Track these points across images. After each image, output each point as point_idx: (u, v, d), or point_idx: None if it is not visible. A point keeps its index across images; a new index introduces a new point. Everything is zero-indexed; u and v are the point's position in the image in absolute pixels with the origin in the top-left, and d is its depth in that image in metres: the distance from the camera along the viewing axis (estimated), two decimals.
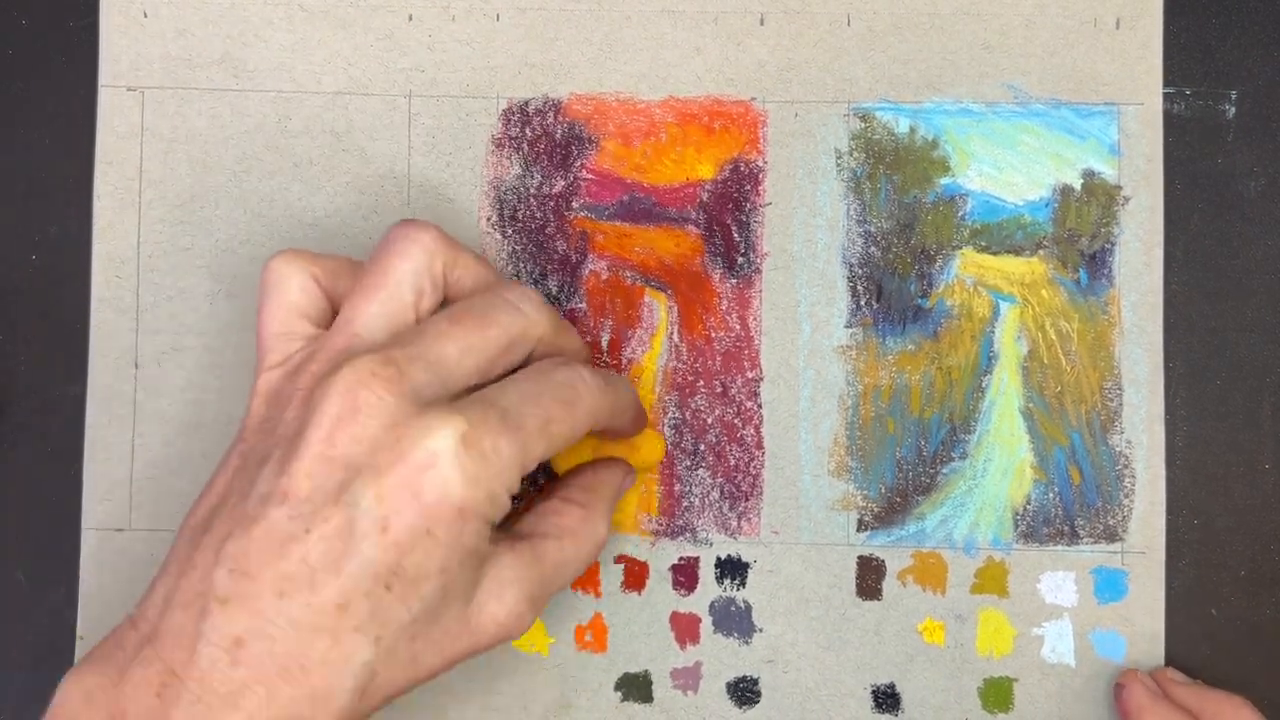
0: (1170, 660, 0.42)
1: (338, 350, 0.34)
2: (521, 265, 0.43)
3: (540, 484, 0.42)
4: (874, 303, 0.43)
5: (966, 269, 0.43)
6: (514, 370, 0.35)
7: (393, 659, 0.32)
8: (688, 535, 0.42)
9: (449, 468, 0.31)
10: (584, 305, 0.43)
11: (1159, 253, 0.42)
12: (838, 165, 0.43)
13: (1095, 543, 0.42)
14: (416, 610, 0.32)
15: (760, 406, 0.42)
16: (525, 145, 0.43)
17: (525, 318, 0.35)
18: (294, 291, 0.36)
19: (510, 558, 0.35)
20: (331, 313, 0.36)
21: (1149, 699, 0.40)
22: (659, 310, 0.43)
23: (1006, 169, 0.43)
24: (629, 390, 0.38)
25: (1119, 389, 0.42)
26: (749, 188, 0.43)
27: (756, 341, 0.43)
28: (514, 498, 0.34)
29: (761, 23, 0.43)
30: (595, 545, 0.37)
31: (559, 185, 0.43)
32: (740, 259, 0.43)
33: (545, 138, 0.43)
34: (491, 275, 0.37)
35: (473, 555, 0.33)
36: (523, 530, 0.37)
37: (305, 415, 0.32)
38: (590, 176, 0.43)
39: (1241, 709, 0.39)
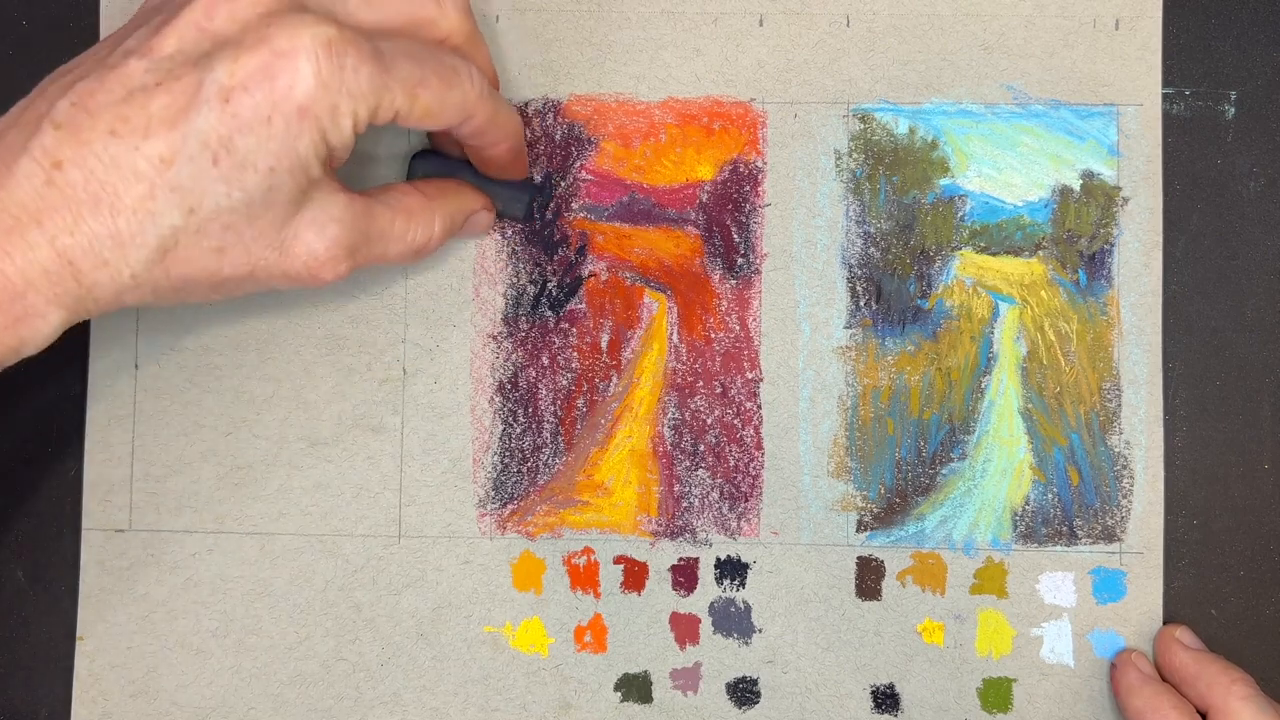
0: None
1: None
2: (521, 266, 0.43)
3: None
4: (873, 303, 0.43)
5: (966, 270, 0.43)
6: None
7: (200, 238, 0.33)
8: (687, 536, 0.42)
9: (305, 62, 0.32)
10: (584, 306, 0.43)
11: (1158, 253, 0.42)
12: (837, 166, 0.43)
13: (1094, 543, 0.42)
14: (236, 198, 0.33)
15: (760, 407, 0.42)
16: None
17: (440, 8, 0.36)
18: None
19: (342, 199, 0.35)
20: None
21: (1138, 680, 0.40)
22: (659, 311, 0.43)
23: (1006, 170, 0.43)
24: (515, 119, 0.39)
25: (1118, 389, 0.42)
26: (748, 188, 0.43)
27: (756, 342, 0.43)
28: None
29: (761, 24, 0.43)
30: (425, 239, 0.38)
31: (559, 186, 0.43)
32: (740, 260, 0.43)
33: (545, 139, 0.43)
34: None
35: (302, 167, 0.33)
36: (366, 192, 0.37)
37: None
38: (590, 177, 0.43)
39: (1237, 683, 0.38)
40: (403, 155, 0.43)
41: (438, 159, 0.42)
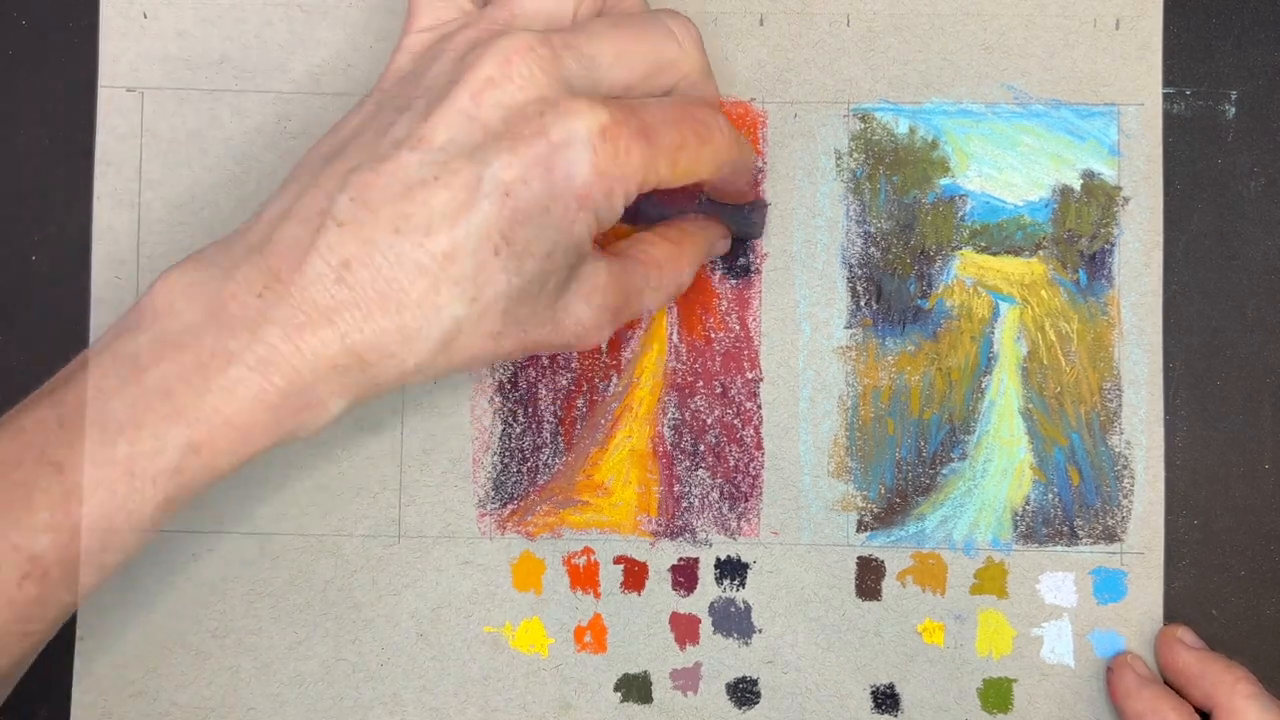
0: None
1: (497, 23, 0.35)
2: None
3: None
4: (874, 303, 0.43)
5: (966, 270, 0.43)
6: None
7: (480, 324, 0.34)
8: (687, 536, 0.42)
9: (582, 152, 0.32)
10: None
11: (1159, 253, 0.42)
12: (837, 166, 0.43)
13: (1094, 543, 0.42)
14: (515, 284, 0.33)
15: (760, 407, 0.42)
16: None
17: (680, 47, 0.36)
18: None
19: (604, 266, 0.36)
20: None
21: (1136, 683, 0.40)
22: (659, 311, 0.43)
23: (1006, 170, 0.43)
24: (752, 152, 0.39)
25: (1118, 390, 0.42)
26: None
27: (756, 342, 0.43)
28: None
29: (761, 23, 0.43)
30: (677, 284, 0.39)
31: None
32: (740, 260, 0.43)
33: None
34: (649, 4, 0.38)
35: (576, 248, 0.34)
36: (615, 249, 0.38)
37: (456, 73, 0.34)
38: None
39: (1240, 680, 0.39)
40: None
41: (663, 193, 0.41)
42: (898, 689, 0.42)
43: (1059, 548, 0.42)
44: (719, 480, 0.42)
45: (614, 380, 0.43)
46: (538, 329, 0.35)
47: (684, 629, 0.42)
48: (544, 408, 0.43)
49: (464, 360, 0.34)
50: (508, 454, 0.43)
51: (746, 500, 0.42)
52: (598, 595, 0.42)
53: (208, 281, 0.33)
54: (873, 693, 0.42)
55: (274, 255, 0.33)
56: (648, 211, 0.40)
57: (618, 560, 0.42)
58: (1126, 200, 0.42)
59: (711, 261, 0.43)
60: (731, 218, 0.41)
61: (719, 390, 0.43)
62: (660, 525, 0.42)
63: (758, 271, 0.43)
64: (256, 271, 0.33)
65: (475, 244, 0.32)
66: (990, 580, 0.42)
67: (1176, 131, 0.43)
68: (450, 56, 0.34)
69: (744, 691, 0.42)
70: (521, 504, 0.43)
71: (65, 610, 0.33)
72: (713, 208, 0.41)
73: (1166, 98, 0.43)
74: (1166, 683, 0.41)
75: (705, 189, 0.40)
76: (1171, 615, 0.42)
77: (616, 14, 0.36)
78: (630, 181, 0.34)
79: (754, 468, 0.42)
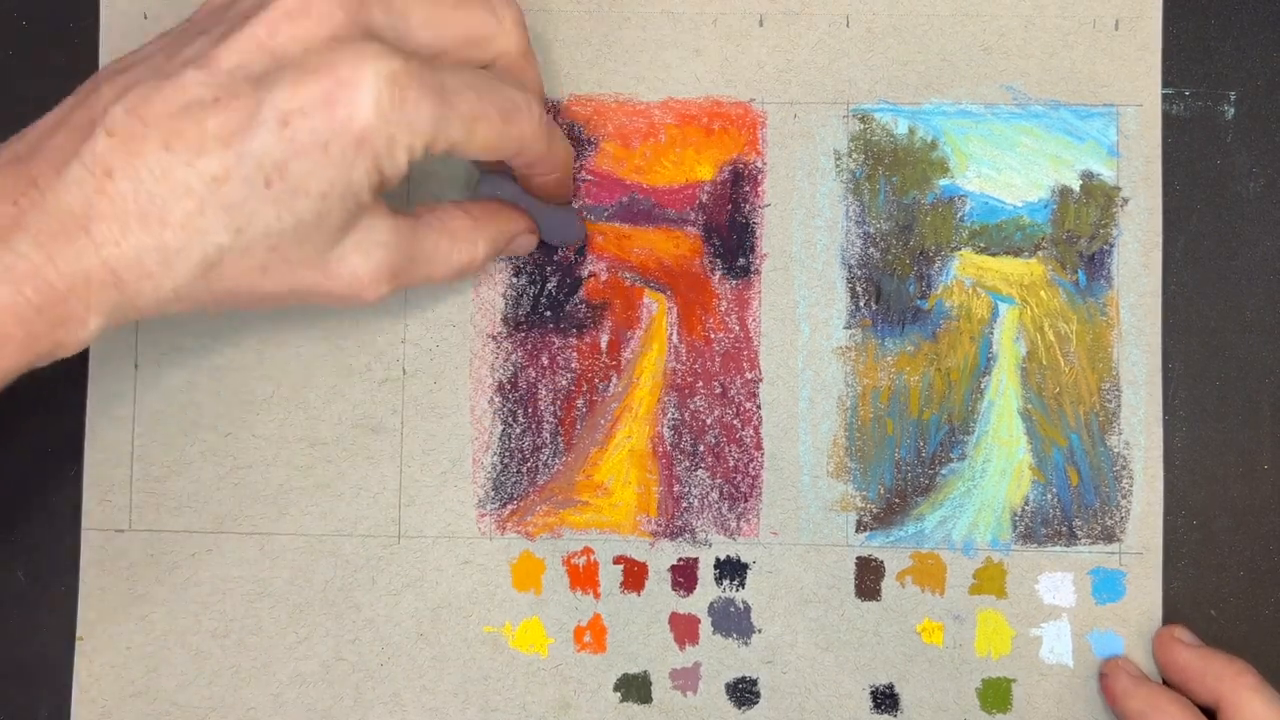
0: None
1: None
2: (521, 266, 0.43)
3: None
4: (873, 304, 0.43)
5: (965, 270, 0.43)
6: None
7: (245, 258, 0.33)
8: (687, 536, 0.42)
9: (367, 93, 0.32)
10: (583, 306, 0.43)
11: (1158, 254, 0.42)
12: (837, 166, 0.43)
13: (1093, 543, 0.42)
14: (285, 221, 0.33)
15: (759, 407, 0.43)
16: None
17: (499, 24, 0.36)
18: None
19: (389, 223, 0.35)
20: None
21: (1132, 683, 0.40)
22: (658, 311, 0.43)
23: (1005, 170, 0.43)
24: (567, 150, 0.39)
25: (1117, 390, 0.42)
26: (748, 189, 0.43)
27: (755, 343, 0.43)
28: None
29: (761, 24, 0.43)
30: (469, 260, 0.38)
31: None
32: (739, 260, 0.43)
33: None
34: None
35: (353, 194, 0.33)
36: (412, 213, 0.37)
37: (260, 5, 0.33)
38: (590, 178, 0.43)
39: (1243, 674, 0.38)
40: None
41: (506, 181, 0.41)
42: (897, 689, 0.42)
43: (1058, 548, 0.42)
44: (718, 480, 0.42)
45: (614, 380, 0.43)
46: (308, 273, 0.34)
47: (683, 629, 0.42)
48: (544, 408, 0.43)
49: (225, 291, 0.34)
50: (507, 454, 0.43)
51: (746, 500, 0.42)
52: (597, 595, 0.42)
53: None
54: (872, 693, 0.42)
55: (36, 163, 0.32)
56: (485, 191, 0.40)
57: (617, 560, 0.42)
58: (1125, 201, 0.42)
59: (711, 261, 0.43)
60: (540, 216, 0.41)
61: (718, 390, 0.43)
62: (660, 525, 0.42)
63: (757, 272, 0.43)
64: (15, 180, 0.32)
65: (248, 171, 0.32)
66: (989, 580, 0.42)
67: (1175, 132, 0.43)
68: None
69: (743, 691, 0.42)
70: (521, 504, 0.43)
71: None
72: (533, 204, 0.41)
73: (1165, 98, 0.43)
74: (1166, 683, 0.41)
75: (516, 178, 0.40)
76: (1170, 615, 0.42)
77: None
78: (416, 135, 0.33)
79: (753, 468, 0.42)
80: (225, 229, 0.32)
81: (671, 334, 0.43)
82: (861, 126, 0.43)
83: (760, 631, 0.42)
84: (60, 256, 0.31)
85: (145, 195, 0.32)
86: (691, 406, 0.43)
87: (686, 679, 0.42)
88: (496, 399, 0.43)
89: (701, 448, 0.43)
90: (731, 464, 0.42)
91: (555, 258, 0.43)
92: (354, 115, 0.32)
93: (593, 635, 0.42)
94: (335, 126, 0.32)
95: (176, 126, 0.32)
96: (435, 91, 0.33)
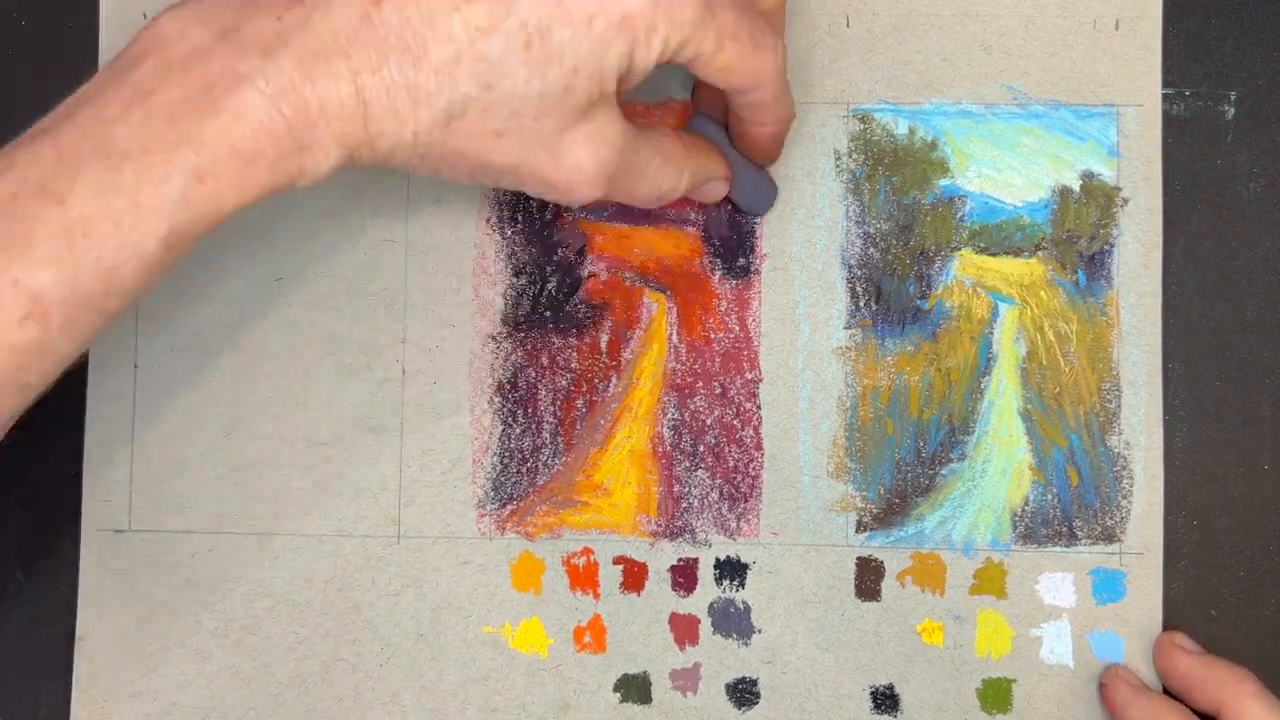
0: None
1: None
2: (521, 266, 0.43)
3: None
4: (873, 304, 0.43)
5: (965, 270, 0.43)
6: None
7: (486, 116, 0.33)
8: (687, 536, 0.42)
9: None
10: (583, 306, 0.43)
11: (1158, 254, 0.42)
12: (837, 166, 0.43)
13: (1093, 544, 0.42)
14: (533, 87, 0.33)
15: (759, 408, 0.43)
16: None
17: None
18: None
19: (619, 124, 0.35)
20: None
21: (1132, 693, 0.40)
22: (658, 311, 0.43)
23: (1005, 170, 0.43)
24: (791, 106, 0.39)
25: (1117, 390, 0.42)
26: None
27: (755, 343, 0.43)
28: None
29: None
30: (671, 186, 0.38)
31: None
32: (739, 260, 0.43)
33: None
34: None
35: (602, 76, 0.33)
36: (633, 123, 0.37)
37: None
38: None
39: (1244, 681, 0.38)
40: None
41: (716, 128, 0.41)
42: (897, 689, 0.42)
43: (1058, 548, 0.42)
44: (718, 481, 0.42)
45: (613, 381, 0.43)
46: (537, 151, 0.34)
47: (683, 629, 0.42)
48: (543, 408, 0.43)
49: (457, 150, 0.34)
50: (507, 454, 0.43)
51: (746, 501, 0.42)
52: (597, 596, 0.42)
53: (223, 6, 0.32)
54: (872, 693, 0.42)
55: None
56: (698, 128, 0.40)
57: (617, 561, 0.42)
58: (1126, 201, 0.42)
59: (711, 261, 0.43)
60: (739, 171, 0.41)
61: (718, 391, 0.43)
62: (660, 526, 0.42)
63: (757, 272, 0.43)
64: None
65: (511, 27, 0.32)
66: (989, 581, 0.42)
67: (1176, 132, 0.43)
68: None
69: (743, 692, 0.42)
70: (521, 504, 0.43)
71: (63, 361, 0.32)
72: (725, 145, 0.41)
73: (1166, 98, 0.43)
74: (1167, 691, 0.41)
75: (731, 118, 0.40)
76: (1170, 615, 0.42)
77: None
78: (675, 29, 0.33)
79: (753, 468, 0.42)
80: (476, 81, 0.32)
81: (671, 334, 0.43)
82: (861, 126, 0.43)
83: (760, 632, 0.42)
84: (318, 76, 0.31)
85: (410, 31, 0.32)
86: (691, 407, 0.43)
87: (686, 679, 0.42)
88: (496, 399, 0.43)
89: (701, 448, 0.43)
90: (731, 464, 0.42)
91: (555, 257, 0.43)
92: None
93: (593, 635, 0.42)
94: (606, 2, 0.32)
95: None
96: (706, 2, 0.33)
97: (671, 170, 0.38)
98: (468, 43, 0.32)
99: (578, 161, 0.35)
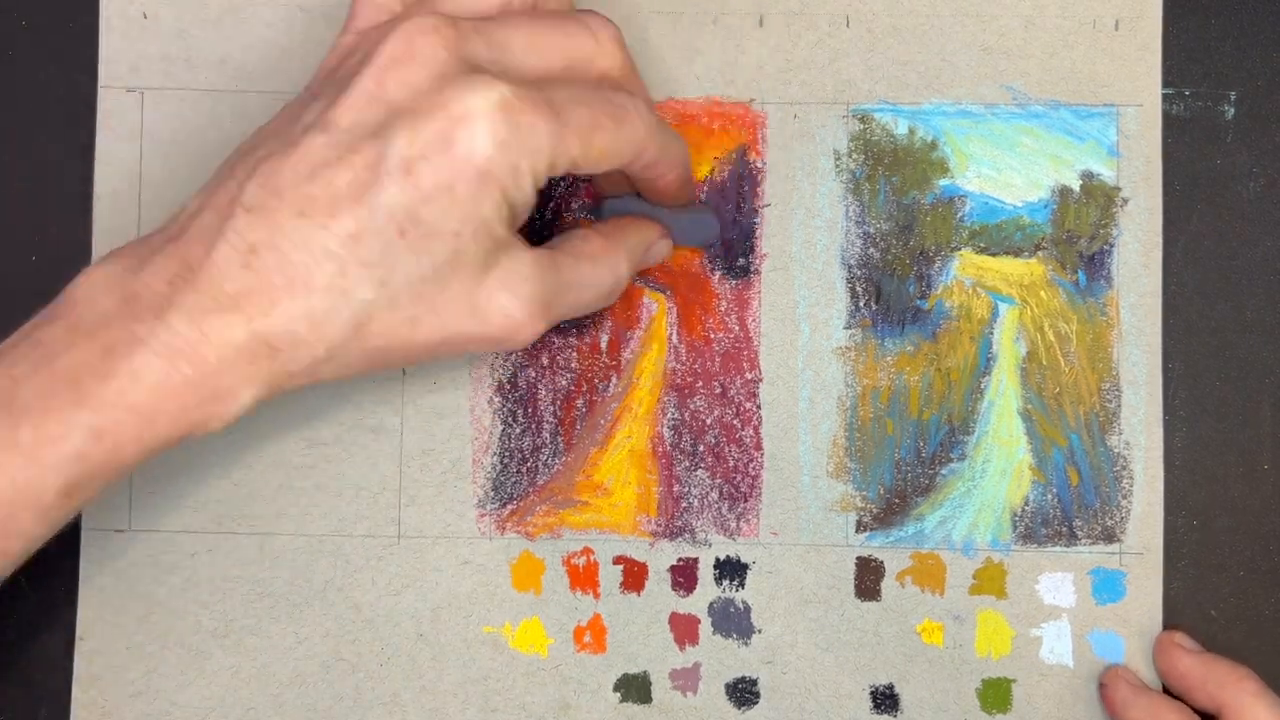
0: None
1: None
2: None
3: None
4: (873, 304, 0.43)
5: (965, 270, 0.43)
6: None
7: (393, 309, 0.34)
8: (687, 536, 0.42)
9: (482, 126, 0.32)
10: None
11: (1158, 254, 0.42)
12: (836, 166, 0.43)
13: (1093, 544, 0.42)
14: (425, 266, 0.33)
15: (759, 408, 0.43)
16: None
17: (597, 44, 0.36)
18: None
19: (529, 256, 0.35)
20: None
21: (1132, 693, 0.40)
22: (658, 311, 0.43)
23: (1005, 170, 0.43)
24: (683, 147, 0.39)
25: (1117, 390, 0.42)
26: (748, 189, 0.43)
27: (755, 343, 0.43)
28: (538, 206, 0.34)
29: (760, 24, 0.43)
30: (614, 280, 0.38)
31: (559, 187, 0.43)
32: (739, 260, 0.43)
33: None
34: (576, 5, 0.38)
35: (487, 230, 0.34)
36: (547, 245, 0.37)
37: (364, 60, 0.34)
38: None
39: (1245, 679, 0.38)
40: None
41: (629, 199, 0.41)
42: (897, 689, 0.42)
43: (1058, 548, 0.42)
44: (718, 480, 0.42)
45: (613, 381, 0.43)
46: (459, 319, 0.34)
47: (683, 629, 0.42)
48: (543, 408, 0.43)
49: (379, 348, 0.34)
50: (507, 454, 0.43)
51: (746, 500, 0.42)
52: (597, 595, 0.42)
53: (124, 273, 0.33)
54: (872, 693, 0.42)
55: (186, 244, 0.33)
56: (609, 212, 0.40)
57: (617, 560, 0.42)
58: (1125, 201, 0.42)
59: (710, 262, 0.43)
60: (672, 221, 0.41)
61: (718, 391, 0.43)
62: (660, 525, 0.42)
63: (757, 272, 0.43)
64: (169, 260, 0.33)
65: (380, 224, 0.32)
66: (989, 580, 0.42)
67: (1175, 132, 0.43)
68: (365, 47, 0.35)
69: (743, 692, 0.42)
70: (521, 504, 0.43)
71: None
72: (646, 208, 0.40)
73: (1166, 98, 0.43)
74: (1168, 690, 0.41)
75: (634, 183, 0.39)
76: (1170, 615, 0.42)
77: (537, 8, 0.36)
78: (538, 158, 0.33)
79: (753, 468, 0.42)
80: (369, 284, 0.33)
81: (671, 334, 0.43)
82: (861, 126, 0.43)
83: (760, 632, 0.42)
84: (213, 332, 0.32)
85: (288, 265, 0.32)
86: (691, 406, 0.43)
87: (686, 679, 0.42)
88: (496, 399, 0.43)
89: (701, 448, 0.43)
90: (731, 464, 0.42)
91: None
92: (473, 150, 0.32)
93: (592, 635, 0.42)
94: (457, 165, 0.32)
95: (307, 192, 0.32)
96: (546, 109, 0.33)
97: (605, 266, 0.38)
98: (346, 253, 0.32)
99: (502, 308, 0.35)
